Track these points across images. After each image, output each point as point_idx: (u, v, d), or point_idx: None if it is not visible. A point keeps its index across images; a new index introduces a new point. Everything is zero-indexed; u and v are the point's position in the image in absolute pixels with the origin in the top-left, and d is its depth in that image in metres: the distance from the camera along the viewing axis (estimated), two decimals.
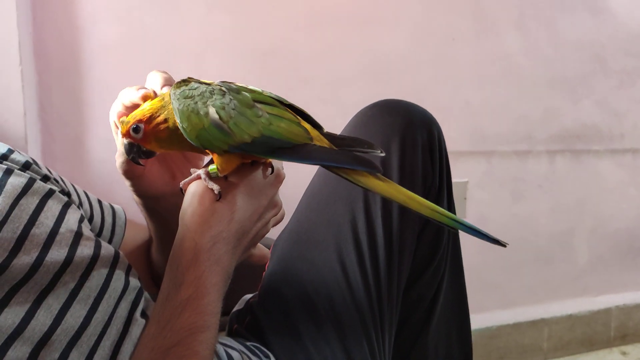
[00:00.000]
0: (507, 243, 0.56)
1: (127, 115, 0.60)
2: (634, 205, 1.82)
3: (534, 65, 1.62)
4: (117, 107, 0.61)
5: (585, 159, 1.72)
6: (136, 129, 0.56)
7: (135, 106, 0.59)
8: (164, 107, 0.56)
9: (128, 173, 0.64)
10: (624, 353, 1.77)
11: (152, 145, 0.57)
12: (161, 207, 0.68)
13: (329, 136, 0.59)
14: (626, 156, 1.78)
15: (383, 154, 0.58)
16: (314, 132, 0.57)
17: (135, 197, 0.69)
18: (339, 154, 0.55)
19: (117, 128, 0.63)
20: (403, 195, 0.56)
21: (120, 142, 0.61)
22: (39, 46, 1.13)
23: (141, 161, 0.60)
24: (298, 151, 0.55)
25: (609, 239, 1.80)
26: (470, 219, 1.55)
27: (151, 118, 0.56)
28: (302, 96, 1.33)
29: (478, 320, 1.58)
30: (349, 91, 1.39)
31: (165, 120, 0.55)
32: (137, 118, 0.56)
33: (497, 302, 1.68)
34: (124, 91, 0.59)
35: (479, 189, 1.59)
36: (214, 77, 1.23)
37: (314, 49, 1.36)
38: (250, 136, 0.53)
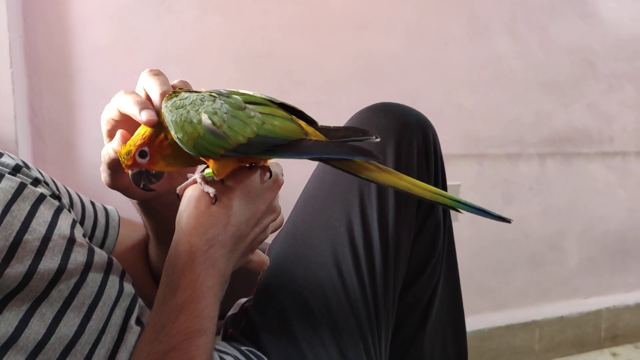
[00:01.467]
0: (512, 219, 0.55)
1: (115, 121, 0.59)
2: (624, 207, 1.83)
3: (526, 69, 1.63)
4: (111, 113, 0.59)
5: (575, 162, 1.74)
6: (142, 154, 0.55)
7: (129, 118, 0.57)
8: (159, 123, 0.55)
9: (116, 187, 0.63)
10: (614, 354, 1.78)
11: (160, 166, 0.57)
12: (158, 204, 0.68)
13: (324, 129, 0.58)
14: (616, 159, 1.79)
15: (378, 139, 0.57)
16: (308, 128, 0.57)
17: (130, 200, 0.68)
18: (336, 146, 0.55)
19: (108, 136, 0.62)
20: (405, 182, 0.56)
21: (106, 152, 0.60)
22: (29, 49, 1.12)
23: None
24: (294, 147, 0.54)
25: (599, 241, 1.82)
26: (461, 220, 1.55)
27: (152, 137, 0.55)
28: (296, 99, 1.32)
29: (470, 323, 1.58)
30: (343, 94, 1.39)
31: (166, 137, 0.55)
32: (138, 143, 0.55)
33: (489, 304, 1.68)
34: (121, 97, 0.57)
35: (471, 192, 1.60)
36: (207, 79, 1.23)
37: (308, 51, 1.36)
38: (245, 137, 0.53)
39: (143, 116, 0.54)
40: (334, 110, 1.34)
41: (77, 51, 1.16)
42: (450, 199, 0.56)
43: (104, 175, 0.62)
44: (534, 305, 1.74)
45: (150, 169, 0.57)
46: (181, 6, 1.23)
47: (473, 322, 1.61)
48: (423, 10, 1.48)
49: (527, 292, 1.73)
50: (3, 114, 1.04)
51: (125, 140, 0.57)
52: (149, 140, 0.55)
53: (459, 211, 0.56)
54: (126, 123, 0.60)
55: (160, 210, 0.69)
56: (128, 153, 0.55)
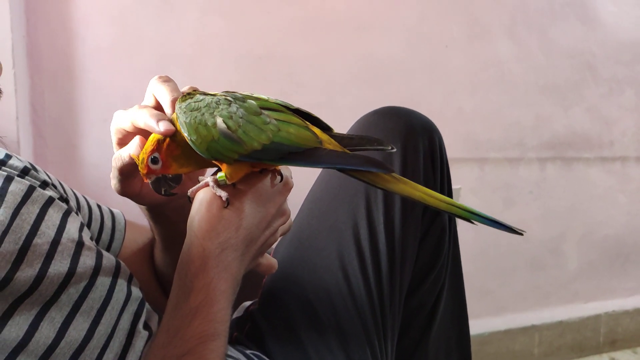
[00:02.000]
0: (525, 231, 0.54)
1: (127, 132, 0.58)
2: (623, 212, 1.84)
3: (526, 73, 1.63)
4: (123, 124, 0.58)
5: (575, 166, 1.74)
6: (154, 160, 0.55)
7: (141, 130, 0.57)
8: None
9: (126, 193, 0.63)
10: (613, 359, 1.79)
11: (173, 168, 0.56)
12: (168, 209, 0.67)
13: (337, 137, 0.58)
14: (615, 164, 1.80)
15: (394, 150, 0.57)
16: (323, 136, 0.57)
17: (139, 205, 0.67)
18: (350, 157, 0.55)
19: (118, 144, 0.61)
20: (420, 192, 0.56)
21: (118, 157, 0.59)
22: (32, 49, 1.11)
23: (172, 188, 0.59)
24: (309, 155, 0.54)
25: (599, 246, 1.82)
26: (462, 224, 1.55)
27: (160, 141, 0.55)
28: (297, 101, 1.30)
29: (470, 327, 1.58)
30: (344, 96, 1.39)
31: (172, 138, 0.54)
32: (149, 150, 0.55)
33: (489, 308, 1.68)
34: (136, 112, 0.56)
35: (472, 195, 1.60)
36: (208, 81, 1.22)
37: (309, 53, 1.36)
38: (260, 143, 0.53)
39: (161, 127, 0.53)
40: (334, 113, 1.34)
41: (79, 52, 1.15)
42: (464, 210, 0.56)
43: (114, 181, 0.62)
44: (534, 310, 1.74)
45: (166, 173, 0.56)
46: (182, 7, 1.23)
47: (472, 326, 1.58)
48: (424, 13, 1.48)
49: (527, 296, 1.73)
50: (5, 114, 1.03)
51: (142, 146, 0.57)
52: (158, 145, 0.55)
53: (472, 222, 0.56)
54: (137, 134, 0.59)
55: (169, 215, 0.68)
56: (142, 161, 0.55)
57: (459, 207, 0.56)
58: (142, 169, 0.55)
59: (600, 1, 1.70)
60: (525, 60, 1.62)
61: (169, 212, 0.68)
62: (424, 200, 0.55)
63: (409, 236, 0.79)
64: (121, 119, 0.58)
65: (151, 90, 0.58)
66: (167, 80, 0.58)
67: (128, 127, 0.58)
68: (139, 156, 0.55)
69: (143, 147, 0.56)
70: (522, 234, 0.54)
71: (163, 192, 0.57)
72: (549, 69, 1.66)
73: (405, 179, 0.57)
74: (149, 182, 0.56)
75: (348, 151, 0.56)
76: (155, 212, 0.68)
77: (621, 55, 1.75)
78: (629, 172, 1.83)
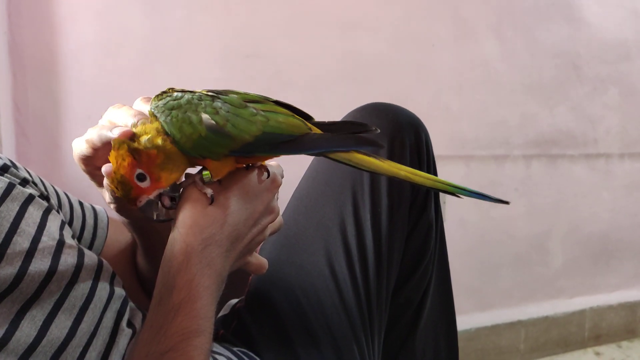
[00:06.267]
0: (509, 201, 0.56)
1: (88, 157, 0.54)
2: (607, 208, 1.86)
3: (511, 72, 1.64)
4: (82, 150, 0.54)
5: (560, 164, 1.76)
6: (140, 177, 0.51)
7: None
8: (136, 132, 0.51)
9: (128, 212, 0.61)
10: (597, 353, 1.81)
11: (164, 178, 0.52)
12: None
13: (320, 125, 0.58)
14: (599, 161, 1.82)
15: (378, 131, 0.58)
16: (307, 123, 0.57)
17: (124, 220, 0.65)
18: (342, 139, 0.55)
19: (88, 173, 0.57)
20: (404, 171, 0.56)
21: (106, 187, 0.55)
22: (14, 45, 1.09)
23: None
24: (301, 142, 0.54)
25: (583, 242, 1.84)
26: (449, 221, 1.56)
27: (133, 154, 0.50)
28: (284, 99, 1.30)
29: (456, 323, 1.60)
30: (331, 94, 1.39)
31: (148, 144, 0.51)
32: (126, 167, 0.49)
33: (475, 304, 1.69)
34: (88, 134, 0.53)
35: None
36: (194, 79, 1.21)
37: (296, 52, 1.36)
38: (252, 135, 0.52)
39: (115, 132, 0.50)
40: (321, 111, 1.32)
41: (63, 48, 1.13)
42: (449, 185, 0.57)
43: (114, 206, 0.59)
44: (519, 305, 1.75)
45: (160, 187, 0.53)
46: (168, 4, 1.22)
47: (459, 322, 1.58)
48: (410, 12, 1.48)
49: (513, 293, 1.75)
50: None
51: None
52: (134, 159, 0.50)
53: (458, 196, 0.57)
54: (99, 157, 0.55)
55: (154, 226, 0.66)
56: (121, 177, 0.50)
57: (443, 182, 0.57)
58: (119, 192, 0.51)
59: (585, 2, 1.72)
60: (511, 60, 1.64)
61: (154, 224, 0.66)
62: (409, 178, 0.56)
63: (396, 232, 0.79)
64: (78, 145, 0.55)
65: (139, 108, 0.55)
66: (121, 106, 0.55)
67: (87, 150, 0.54)
68: (117, 189, 0.51)
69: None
70: (507, 203, 0.55)
71: (155, 218, 0.54)
72: (534, 68, 1.68)
73: (389, 160, 0.57)
74: (139, 206, 0.52)
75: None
76: (140, 223, 0.66)
77: (605, 55, 1.78)
78: (613, 169, 1.85)
